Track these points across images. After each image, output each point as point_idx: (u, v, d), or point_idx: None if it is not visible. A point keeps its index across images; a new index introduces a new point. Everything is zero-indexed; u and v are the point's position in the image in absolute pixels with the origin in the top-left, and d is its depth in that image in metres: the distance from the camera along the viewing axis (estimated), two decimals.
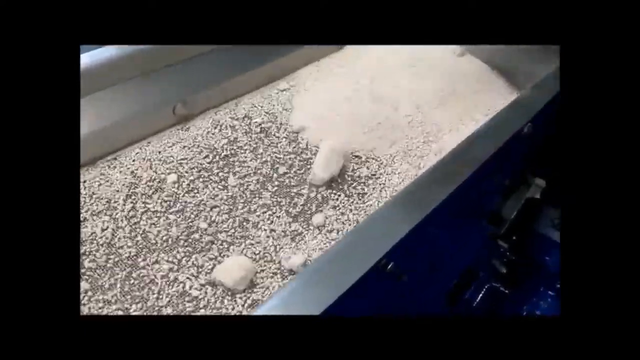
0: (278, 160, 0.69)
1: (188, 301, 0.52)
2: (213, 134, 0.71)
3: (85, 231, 0.56)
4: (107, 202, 0.60)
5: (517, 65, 0.92)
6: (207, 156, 0.68)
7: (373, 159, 0.71)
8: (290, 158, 0.69)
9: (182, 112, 0.72)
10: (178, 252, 0.56)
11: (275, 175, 0.67)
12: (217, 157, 0.68)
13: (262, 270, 0.56)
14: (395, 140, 0.75)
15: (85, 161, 0.64)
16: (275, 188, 0.65)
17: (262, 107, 0.77)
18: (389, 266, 0.47)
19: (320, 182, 0.66)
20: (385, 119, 0.77)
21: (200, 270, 0.55)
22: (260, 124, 0.74)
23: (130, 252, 0.55)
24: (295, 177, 0.67)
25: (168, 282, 0.53)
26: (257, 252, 0.58)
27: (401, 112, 0.79)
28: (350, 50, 0.95)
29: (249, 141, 0.71)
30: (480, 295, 0.90)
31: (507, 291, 0.92)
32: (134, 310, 0.51)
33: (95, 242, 0.55)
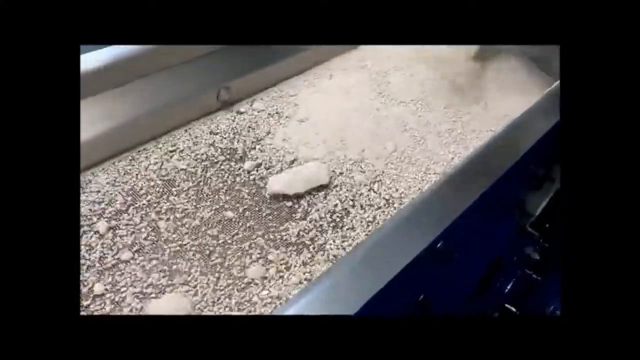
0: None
1: None
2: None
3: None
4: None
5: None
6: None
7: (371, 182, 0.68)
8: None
9: (225, 98, 0.74)
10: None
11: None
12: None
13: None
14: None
15: (127, 147, 0.67)
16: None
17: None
18: (439, 244, 0.49)
19: (271, 193, 0.64)
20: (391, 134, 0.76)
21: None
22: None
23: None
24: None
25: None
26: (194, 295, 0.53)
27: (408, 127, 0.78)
28: (359, 51, 0.95)
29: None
30: (512, 282, 0.89)
31: (539, 278, 0.91)
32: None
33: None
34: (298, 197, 0.64)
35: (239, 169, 0.67)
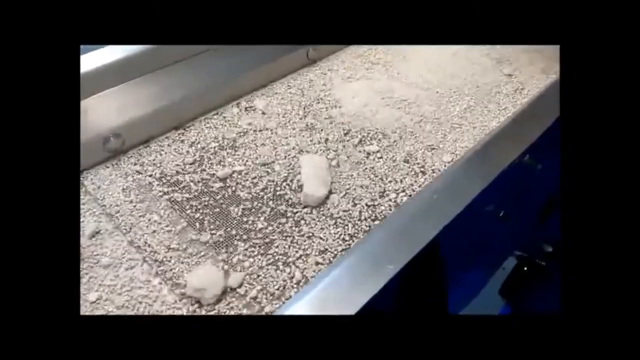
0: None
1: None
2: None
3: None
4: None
5: None
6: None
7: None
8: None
9: (314, 56, 0.87)
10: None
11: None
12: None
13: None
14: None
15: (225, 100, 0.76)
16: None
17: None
18: (525, 157, 0.58)
19: (316, 202, 0.59)
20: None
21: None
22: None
23: None
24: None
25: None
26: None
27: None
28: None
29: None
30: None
31: None
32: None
33: None
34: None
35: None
